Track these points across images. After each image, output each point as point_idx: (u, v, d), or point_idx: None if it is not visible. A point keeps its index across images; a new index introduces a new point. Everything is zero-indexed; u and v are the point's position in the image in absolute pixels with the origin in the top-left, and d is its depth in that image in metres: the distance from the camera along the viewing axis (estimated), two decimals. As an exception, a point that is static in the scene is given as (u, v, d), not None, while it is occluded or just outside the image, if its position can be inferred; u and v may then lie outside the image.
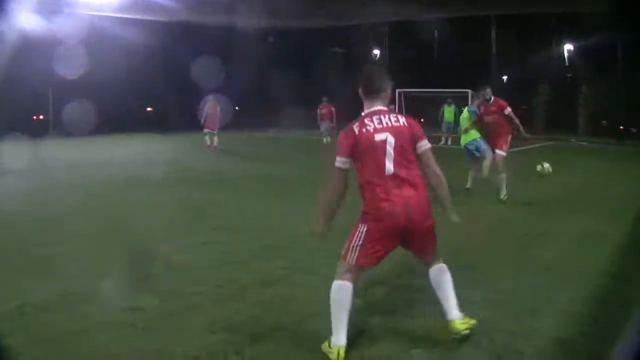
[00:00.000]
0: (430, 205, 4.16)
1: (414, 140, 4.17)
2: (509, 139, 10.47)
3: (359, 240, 4.13)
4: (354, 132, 4.14)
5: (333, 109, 24.92)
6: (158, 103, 31.88)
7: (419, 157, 4.19)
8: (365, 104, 4.30)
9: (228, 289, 5.39)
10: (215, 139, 21.24)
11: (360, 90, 4.32)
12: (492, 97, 10.51)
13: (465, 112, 11.36)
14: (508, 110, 10.29)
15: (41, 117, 29.50)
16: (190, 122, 23.74)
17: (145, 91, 29.37)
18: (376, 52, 43.08)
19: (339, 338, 3.97)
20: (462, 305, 4.39)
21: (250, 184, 12.72)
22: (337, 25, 34.51)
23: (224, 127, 22.26)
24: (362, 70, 4.52)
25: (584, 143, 26.91)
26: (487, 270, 6.11)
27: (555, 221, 8.68)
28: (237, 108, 35.16)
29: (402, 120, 4.21)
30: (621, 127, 31.82)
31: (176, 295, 5.20)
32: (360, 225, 4.17)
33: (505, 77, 38.60)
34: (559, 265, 6.39)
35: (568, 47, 37.12)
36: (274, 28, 32.90)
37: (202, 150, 20.66)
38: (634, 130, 31.34)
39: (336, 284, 4.09)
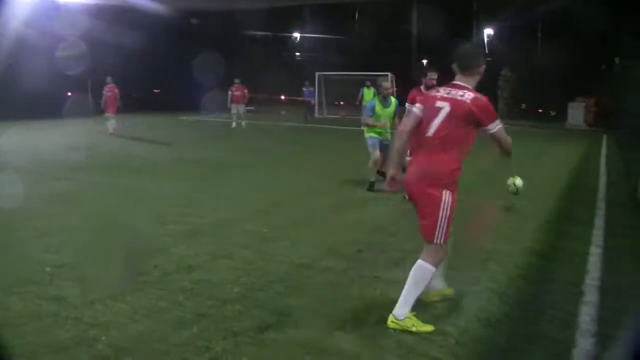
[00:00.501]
0: (438, 179, 4.22)
1: (475, 121, 4.29)
2: None
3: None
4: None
5: (246, 91, 24.47)
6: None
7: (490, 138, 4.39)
8: (455, 77, 4.51)
9: (150, 276, 5.32)
10: (111, 123, 19.97)
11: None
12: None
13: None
14: None
15: None
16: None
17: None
18: (296, 35, 43.11)
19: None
20: (389, 286, 4.56)
21: (169, 169, 12.59)
22: (259, 8, 34.36)
23: (144, 110, 21.76)
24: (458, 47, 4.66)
25: (505, 126, 27.73)
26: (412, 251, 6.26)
27: (477, 203, 8.95)
28: (156, 90, 34.57)
29: (469, 97, 4.28)
30: (540, 110, 33.16)
31: (98, 284, 5.09)
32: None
33: (425, 61, 39.29)
34: (482, 245, 6.62)
35: (488, 31, 38.19)
36: (198, 10, 32.35)
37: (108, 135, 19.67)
38: (552, 113, 32.72)
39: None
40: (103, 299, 4.70)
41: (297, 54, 42.46)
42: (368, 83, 23.61)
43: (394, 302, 4.32)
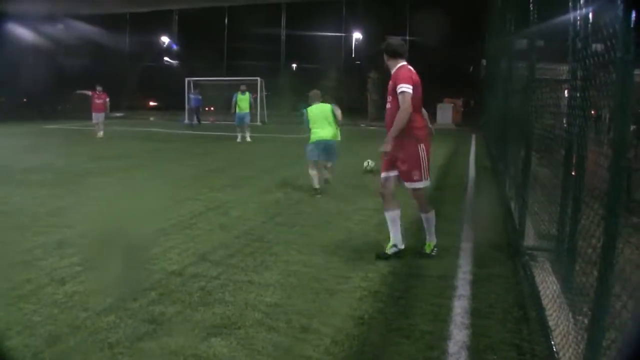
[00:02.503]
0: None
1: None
2: None
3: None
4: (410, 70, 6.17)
5: (108, 99, 23.85)
6: None
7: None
8: (398, 61, 6.26)
9: (23, 289, 5.29)
10: None
11: (391, 52, 6.30)
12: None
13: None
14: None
15: None
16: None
17: None
18: (165, 39, 42.44)
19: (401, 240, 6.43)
20: (263, 289, 4.96)
21: (32, 177, 12.18)
22: (125, 12, 33.70)
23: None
24: (391, 40, 6.38)
25: (373, 127, 28.83)
26: (281, 253, 6.57)
27: (346, 204, 9.45)
28: (24, 100, 33.05)
29: None
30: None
31: None
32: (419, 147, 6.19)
33: (294, 65, 40.02)
34: (351, 245, 6.97)
35: (357, 35, 39.36)
36: (62, 15, 31.14)
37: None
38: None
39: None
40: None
41: (166, 59, 41.77)
42: (243, 87, 22.91)
43: (269, 304, 4.67)
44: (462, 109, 33.70)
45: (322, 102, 10.46)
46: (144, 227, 7.75)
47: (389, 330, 4.50)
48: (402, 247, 6.43)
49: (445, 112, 31.98)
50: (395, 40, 6.37)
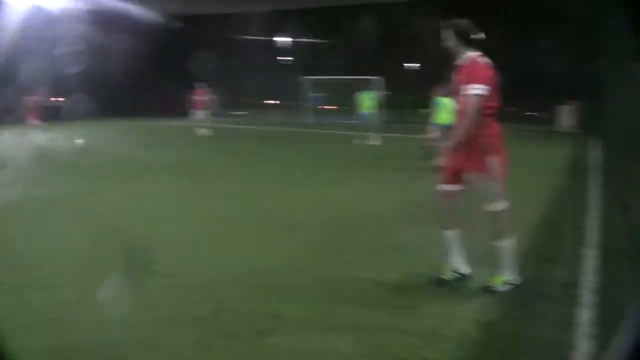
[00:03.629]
0: None
1: None
2: None
3: None
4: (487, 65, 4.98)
5: (211, 96, 23.07)
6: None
7: None
8: (468, 50, 5.06)
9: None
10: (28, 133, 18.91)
11: (462, 37, 5.07)
12: None
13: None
14: None
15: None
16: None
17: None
18: (284, 39, 42.22)
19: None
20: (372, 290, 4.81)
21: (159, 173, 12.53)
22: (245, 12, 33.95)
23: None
24: (460, 22, 5.14)
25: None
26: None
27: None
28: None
29: None
30: (527, 113, 33.16)
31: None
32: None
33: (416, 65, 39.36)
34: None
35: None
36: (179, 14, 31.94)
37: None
38: (538, 114, 32.73)
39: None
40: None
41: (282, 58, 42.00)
42: (367, 85, 21.85)
43: (396, 306, 4.61)
44: (581, 112, 31.55)
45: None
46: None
47: (512, 336, 4.25)
48: (467, 272, 5.36)
49: (567, 115, 30.17)
50: (466, 22, 5.11)
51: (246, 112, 37.54)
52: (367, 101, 20.88)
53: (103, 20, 27.61)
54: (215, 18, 37.32)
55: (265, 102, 40.96)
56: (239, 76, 37.29)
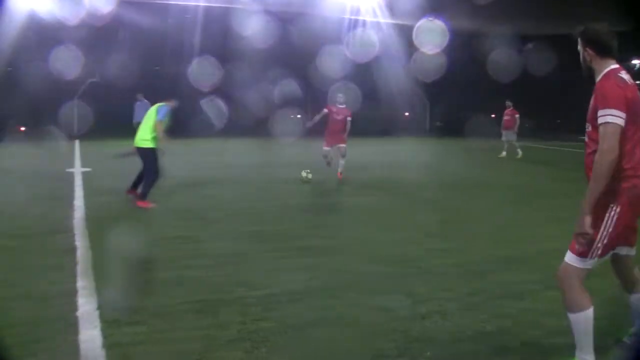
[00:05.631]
0: None
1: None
2: None
3: (610, 225, 3.68)
4: (623, 81, 3.68)
5: (517, 115, 21.85)
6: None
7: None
8: (605, 62, 3.80)
9: (476, 298, 5.50)
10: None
11: (596, 44, 3.80)
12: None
13: None
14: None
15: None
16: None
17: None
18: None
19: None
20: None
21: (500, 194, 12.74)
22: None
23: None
24: (594, 26, 3.87)
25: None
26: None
27: None
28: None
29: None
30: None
31: (428, 299, 5.43)
32: (610, 208, 3.68)
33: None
34: None
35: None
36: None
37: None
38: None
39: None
40: (431, 314, 5.02)
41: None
42: None
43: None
44: None
45: None
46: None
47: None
48: None
49: None
50: (601, 27, 3.85)
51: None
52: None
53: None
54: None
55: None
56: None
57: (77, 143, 23.11)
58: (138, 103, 21.91)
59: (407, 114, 35.05)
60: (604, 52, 3.78)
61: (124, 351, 4.23)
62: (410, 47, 28.55)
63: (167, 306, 5.14)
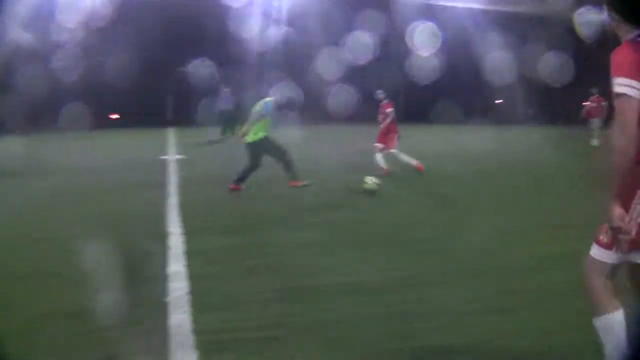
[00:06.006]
0: None
1: None
2: None
3: (638, 216, 3.07)
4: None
5: (603, 103, 20.71)
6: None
7: None
8: (630, 30, 3.14)
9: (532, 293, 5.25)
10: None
11: (622, 12, 3.15)
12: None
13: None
14: None
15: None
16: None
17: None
18: None
19: None
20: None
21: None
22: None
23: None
24: None
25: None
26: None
27: None
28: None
29: None
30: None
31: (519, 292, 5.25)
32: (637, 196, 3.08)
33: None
34: None
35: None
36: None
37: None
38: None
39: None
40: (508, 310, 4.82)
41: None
42: None
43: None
44: None
45: None
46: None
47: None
48: None
49: None
50: None
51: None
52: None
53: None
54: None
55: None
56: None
57: (170, 131, 23.80)
58: (225, 91, 22.56)
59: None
60: (631, 19, 3.12)
61: (213, 337, 4.29)
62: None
63: (257, 293, 5.20)
